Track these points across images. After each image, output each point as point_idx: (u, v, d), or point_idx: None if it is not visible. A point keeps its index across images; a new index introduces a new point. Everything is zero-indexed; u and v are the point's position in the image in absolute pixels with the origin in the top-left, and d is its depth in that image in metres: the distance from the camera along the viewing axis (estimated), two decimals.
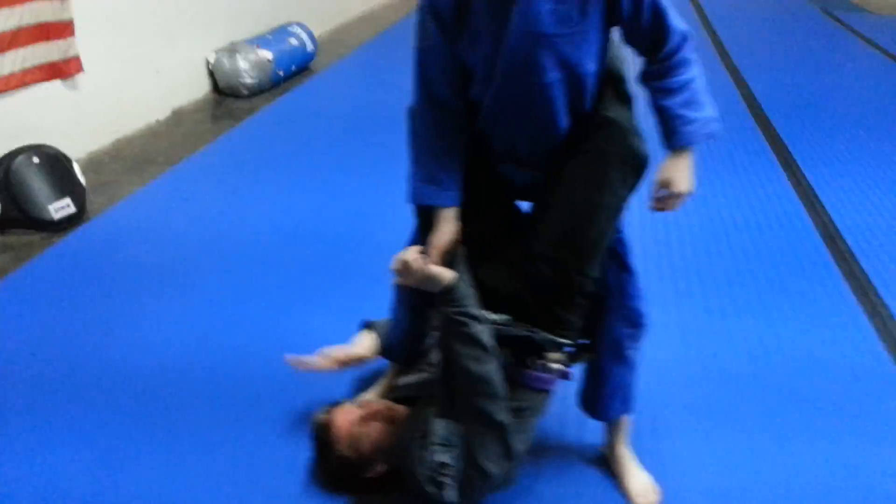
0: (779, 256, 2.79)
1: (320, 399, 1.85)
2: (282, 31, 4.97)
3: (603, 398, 1.71)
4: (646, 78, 1.48)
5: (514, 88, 1.45)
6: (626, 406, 1.73)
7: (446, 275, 1.50)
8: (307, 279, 2.53)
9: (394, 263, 1.55)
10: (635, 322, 1.64)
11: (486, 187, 1.61)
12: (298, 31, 5.08)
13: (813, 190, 3.39)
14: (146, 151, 3.66)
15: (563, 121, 1.49)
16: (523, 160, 1.58)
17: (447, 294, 1.50)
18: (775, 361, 2.19)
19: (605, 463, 1.78)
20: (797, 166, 3.66)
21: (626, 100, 1.51)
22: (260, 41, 4.65)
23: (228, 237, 2.81)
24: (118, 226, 2.90)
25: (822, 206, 3.22)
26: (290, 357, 1.80)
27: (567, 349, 1.56)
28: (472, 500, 1.53)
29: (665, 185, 1.51)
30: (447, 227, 1.57)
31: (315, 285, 2.49)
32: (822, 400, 2.03)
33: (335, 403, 1.71)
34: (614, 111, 1.48)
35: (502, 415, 1.47)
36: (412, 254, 1.53)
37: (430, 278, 1.51)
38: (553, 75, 1.42)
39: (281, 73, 4.74)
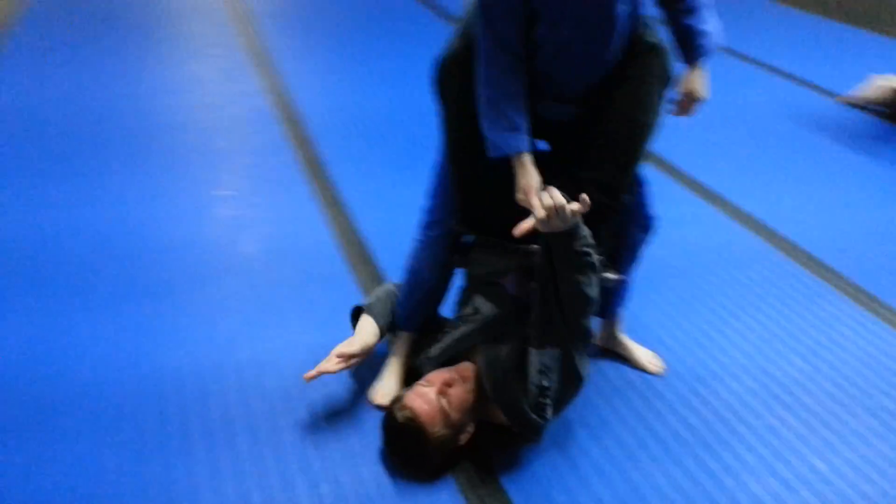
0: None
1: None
2: None
3: (612, 302, 1.88)
4: (666, 1, 1.62)
5: (586, 25, 1.53)
6: (626, 300, 1.92)
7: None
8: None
9: (540, 209, 1.47)
10: (647, 227, 1.80)
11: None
12: None
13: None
14: None
15: (618, 52, 1.58)
16: (566, 96, 1.64)
17: (575, 229, 1.51)
18: None
19: (606, 352, 1.98)
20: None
21: (650, 24, 1.63)
22: None
23: None
24: None
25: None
26: (309, 373, 1.68)
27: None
28: (561, 411, 1.68)
29: (690, 94, 1.70)
30: (532, 170, 1.58)
31: None
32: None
33: (396, 400, 1.62)
34: (653, 36, 1.62)
35: (589, 322, 1.63)
36: (557, 196, 1.47)
37: (574, 215, 1.49)
38: (622, 8, 1.52)
39: None
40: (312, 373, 1.68)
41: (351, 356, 1.73)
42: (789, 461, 1.68)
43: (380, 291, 1.91)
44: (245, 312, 2.10)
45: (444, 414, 1.56)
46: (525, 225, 1.51)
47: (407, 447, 1.59)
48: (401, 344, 1.86)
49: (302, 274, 2.28)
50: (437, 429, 1.55)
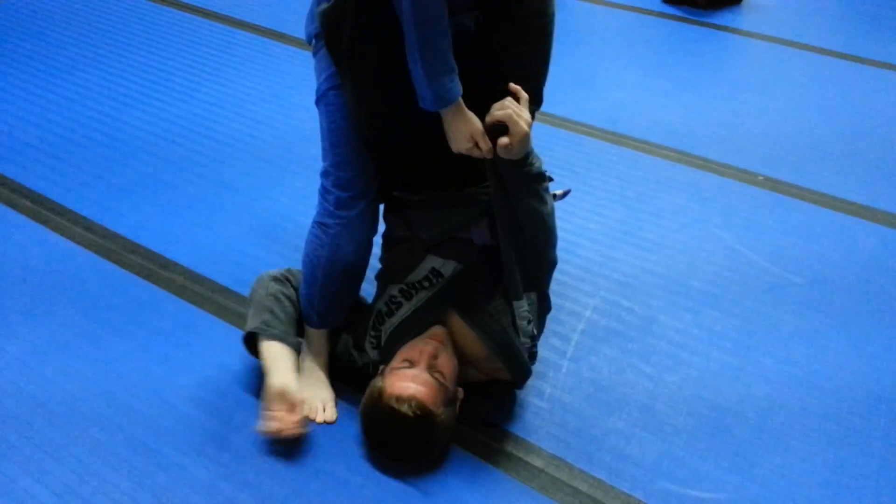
0: None
1: None
2: None
3: None
4: None
5: None
6: None
7: None
8: None
9: (512, 139, 1.36)
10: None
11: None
12: None
13: None
14: None
15: None
16: (464, 2, 1.45)
17: (528, 156, 1.43)
18: None
19: None
20: None
21: None
22: None
23: None
24: None
25: None
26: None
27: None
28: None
29: None
30: (470, 113, 1.42)
31: None
32: None
33: (379, 393, 1.44)
34: None
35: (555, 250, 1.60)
36: (522, 115, 1.36)
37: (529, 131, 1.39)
38: None
39: None
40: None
41: (304, 419, 1.51)
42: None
43: (266, 301, 1.62)
44: None
45: (444, 390, 1.44)
46: (503, 142, 1.37)
47: (415, 440, 1.43)
48: (318, 343, 1.64)
49: None
50: (440, 409, 1.42)
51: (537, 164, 1.48)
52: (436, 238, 1.60)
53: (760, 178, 2.55)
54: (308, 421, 1.55)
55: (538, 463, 1.54)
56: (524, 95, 1.42)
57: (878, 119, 2.99)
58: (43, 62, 3.10)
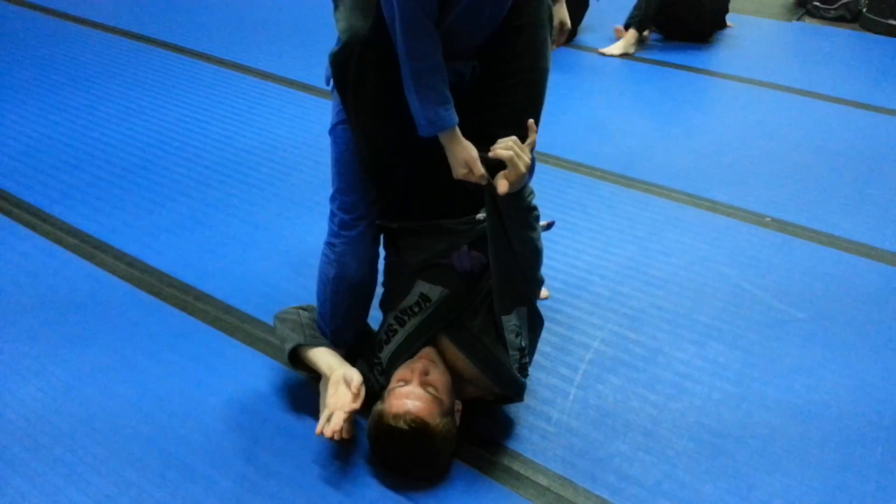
0: None
1: None
2: None
3: None
4: None
5: None
6: None
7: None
8: None
9: (509, 178, 1.47)
10: (533, 163, 1.84)
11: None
12: None
13: None
14: None
15: (511, 3, 1.60)
16: (463, 53, 1.60)
17: (524, 188, 1.53)
18: None
19: None
20: None
21: None
22: None
23: None
24: None
25: None
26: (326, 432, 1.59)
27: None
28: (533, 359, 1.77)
29: (561, 26, 1.90)
30: (466, 141, 1.56)
31: None
32: None
33: (378, 415, 1.55)
34: None
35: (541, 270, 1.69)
36: (522, 157, 1.47)
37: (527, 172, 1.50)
38: None
39: None
40: (328, 433, 1.57)
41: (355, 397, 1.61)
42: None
43: (303, 319, 1.78)
44: None
45: (439, 402, 1.54)
46: (503, 185, 1.48)
47: (418, 452, 1.54)
48: (326, 355, 1.75)
49: None
50: (437, 420, 1.52)
51: (531, 197, 1.58)
52: (421, 264, 1.70)
53: (768, 219, 2.64)
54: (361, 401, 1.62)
55: (543, 482, 1.62)
56: (533, 136, 1.54)
57: (884, 163, 3.08)
58: (94, 112, 3.33)
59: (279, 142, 3.12)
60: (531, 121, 1.53)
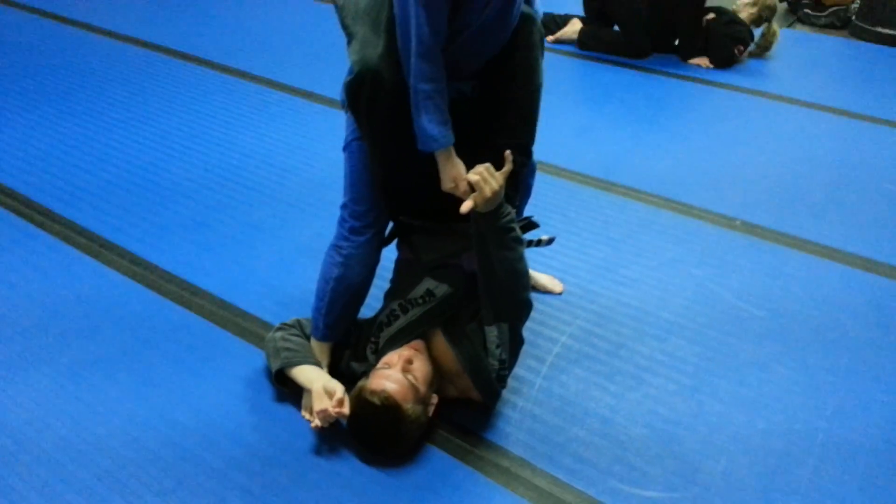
0: None
1: None
2: None
3: None
4: None
5: (503, 5, 1.67)
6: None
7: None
8: None
9: (484, 190, 1.61)
10: (534, 170, 2.13)
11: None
12: None
13: None
14: None
15: (513, 26, 1.74)
16: (465, 74, 1.77)
17: (500, 208, 1.66)
18: None
19: None
20: None
21: None
22: None
23: None
24: None
25: None
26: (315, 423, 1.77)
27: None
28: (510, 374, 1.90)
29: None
30: (458, 159, 1.73)
31: None
32: None
33: (359, 390, 1.71)
34: (526, 6, 1.77)
35: (529, 293, 1.81)
36: (489, 182, 1.61)
37: (500, 193, 1.64)
38: None
39: None
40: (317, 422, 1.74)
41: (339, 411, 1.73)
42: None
43: (279, 343, 1.91)
44: None
45: (415, 389, 1.69)
46: (467, 205, 1.63)
47: (386, 430, 1.67)
48: (322, 354, 1.92)
49: None
50: (410, 405, 1.67)
51: (507, 219, 1.70)
52: (434, 262, 1.86)
53: (737, 222, 2.78)
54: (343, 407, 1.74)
55: (504, 463, 1.77)
56: (508, 165, 1.67)
57: (860, 170, 3.21)
58: (101, 118, 3.51)
59: (277, 146, 3.28)
60: (508, 152, 1.68)
